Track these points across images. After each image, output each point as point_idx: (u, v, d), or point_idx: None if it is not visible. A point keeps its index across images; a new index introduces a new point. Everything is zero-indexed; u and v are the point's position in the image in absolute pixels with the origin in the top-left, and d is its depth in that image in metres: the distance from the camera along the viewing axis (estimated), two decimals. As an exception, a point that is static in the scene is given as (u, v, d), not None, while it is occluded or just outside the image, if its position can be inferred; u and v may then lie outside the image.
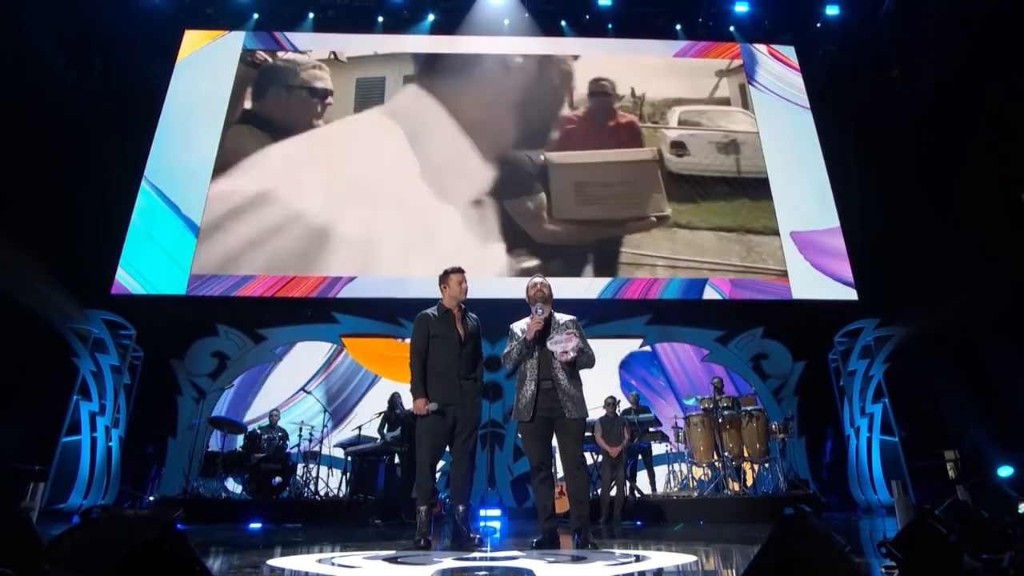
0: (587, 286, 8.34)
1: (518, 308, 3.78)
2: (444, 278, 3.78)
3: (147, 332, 7.91)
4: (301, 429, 7.20)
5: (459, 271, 3.79)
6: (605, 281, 8.37)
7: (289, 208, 8.48)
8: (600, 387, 7.76)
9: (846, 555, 1.40)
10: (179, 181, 8.58)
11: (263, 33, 9.73)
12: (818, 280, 8.44)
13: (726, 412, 6.68)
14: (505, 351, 3.61)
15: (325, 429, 7.40)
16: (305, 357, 8.56)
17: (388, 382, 8.21)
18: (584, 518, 3.38)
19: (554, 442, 3.56)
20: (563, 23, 10.07)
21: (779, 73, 9.86)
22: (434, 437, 3.51)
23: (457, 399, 3.54)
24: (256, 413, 8.07)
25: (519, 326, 3.61)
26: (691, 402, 7.19)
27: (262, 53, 9.62)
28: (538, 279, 3.68)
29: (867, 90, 9.65)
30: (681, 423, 7.06)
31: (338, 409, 8.21)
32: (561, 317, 3.60)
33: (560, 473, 4.57)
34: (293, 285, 8.09)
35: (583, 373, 3.62)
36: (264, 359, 8.48)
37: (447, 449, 3.61)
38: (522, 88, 9.53)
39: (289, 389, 8.29)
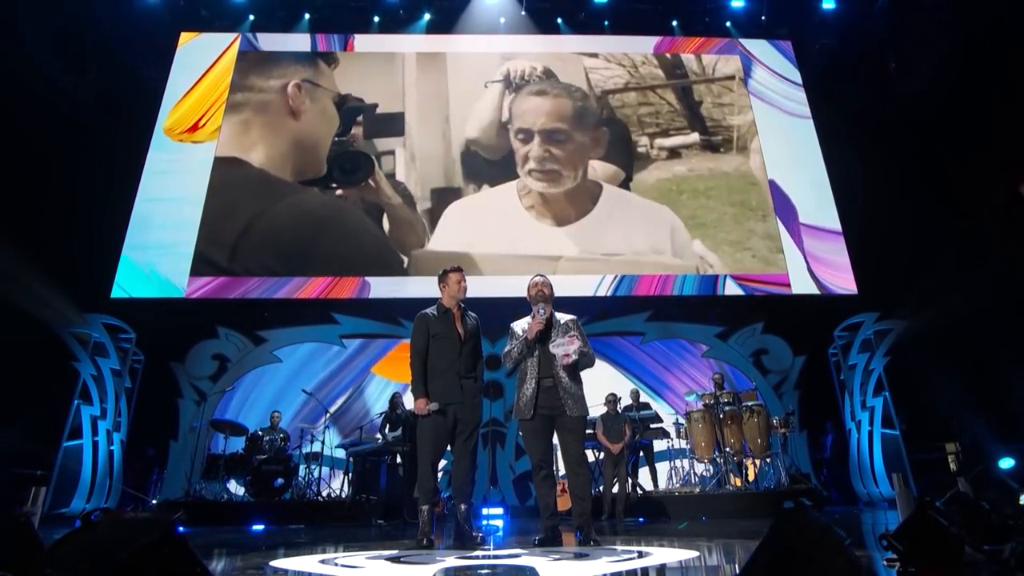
0: (596, 283, 8.33)
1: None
2: (443, 277, 3.78)
3: (147, 335, 7.91)
4: (303, 431, 7.20)
5: (458, 270, 3.79)
6: (612, 278, 8.36)
7: (291, 208, 8.51)
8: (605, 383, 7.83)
9: (846, 548, 1.40)
10: (178, 181, 8.57)
11: (258, 33, 9.73)
12: (817, 274, 8.44)
13: (727, 408, 6.69)
14: (505, 350, 3.61)
15: (326, 430, 7.40)
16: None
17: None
18: (586, 515, 3.38)
19: (555, 440, 3.56)
20: (559, 20, 10.07)
21: (776, 68, 9.84)
22: (435, 437, 3.51)
23: (458, 399, 3.54)
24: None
25: (520, 325, 3.61)
26: (692, 398, 7.19)
27: (257, 52, 9.62)
28: (539, 278, 3.67)
29: (865, 84, 9.65)
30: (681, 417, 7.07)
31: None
32: (562, 317, 3.61)
33: (562, 471, 4.59)
34: (296, 288, 8.11)
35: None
36: (265, 361, 8.47)
37: (448, 448, 3.61)
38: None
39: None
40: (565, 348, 3.39)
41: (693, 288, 8.34)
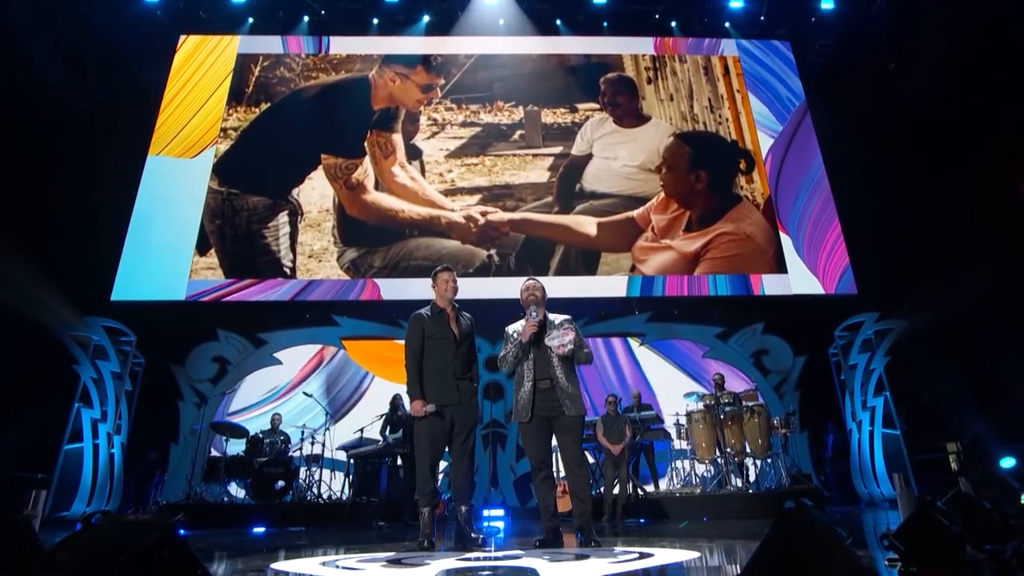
0: (615, 284, 8.34)
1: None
2: (434, 277, 3.77)
3: (148, 338, 7.91)
4: (303, 433, 7.20)
5: (448, 270, 3.77)
6: (626, 279, 8.37)
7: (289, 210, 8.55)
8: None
9: (847, 548, 1.40)
10: (178, 184, 8.58)
11: (258, 37, 9.76)
12: (817, 274, 8.43)
13: (728, 408, 6.68)
14: (501, 355, 3.61)
15: (327, 432, 7.39)
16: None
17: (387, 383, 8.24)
18: (587, 516, 3.39)
19: (554, 442, 3.56)
20: (558, 22, 10.08)
21: (775, 68, 9.86)
22: (432, 438, 3.50)
23: (454, 400, 3.53)
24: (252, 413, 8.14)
25: (514, 328, 3.61)
26: (691, 399, 7.19)
27: (258, 56, 9.65)
28: (530, 282, 3.67)
29: (864, 84, 9.65)
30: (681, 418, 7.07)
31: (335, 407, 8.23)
32: (556, 317, 3.61)
33: (562, 472, 4.58)
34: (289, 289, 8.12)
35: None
36: (265, 363, 8.48)
37: (447, 450, 3.60)
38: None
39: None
40: (560, 339, 3.42)
41: (726, 288, 8.33)
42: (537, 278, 3.74)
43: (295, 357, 8.58)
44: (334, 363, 8.57)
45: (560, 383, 3.43)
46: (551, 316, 3.61)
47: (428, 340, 3.62)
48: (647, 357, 8.78)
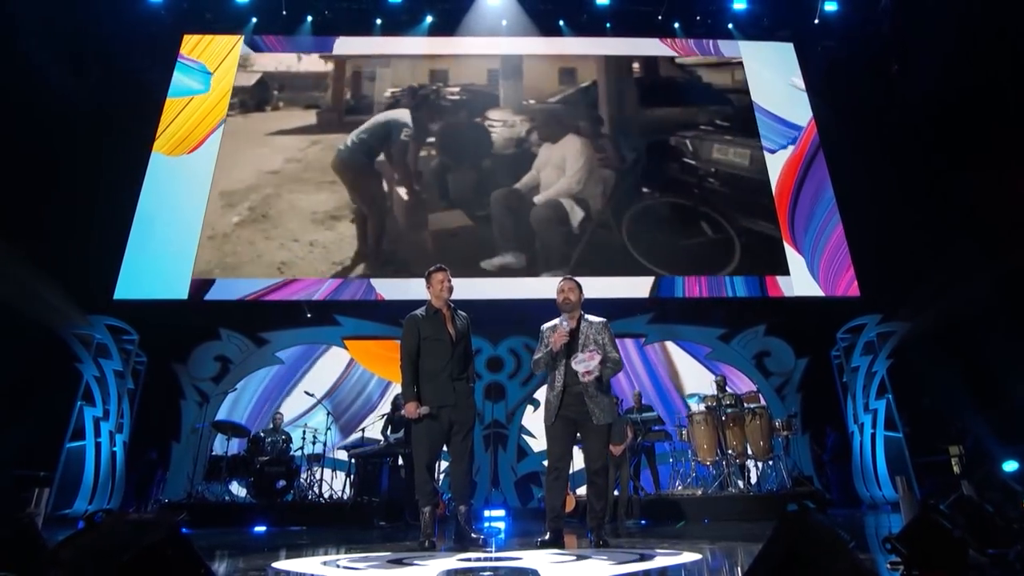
0: (640, 284, 8.33)
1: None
2: (428, 278, 3.75)
3: (150, 337, 7.92)
4: (304, 432, 7.20)
5: (442, 270, 3.74)
6: (650, 280, 8.36)
7: (289, 210, 8.54)
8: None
9: (849, 551, 1.39)
10: (181, 183, 8.58)
11: (261, 36, 9.78)
12: (820, 276, 8.42)
13: (729, 410, 6.66)
14: (535, 357, 3.61)
15: (329, 433, 7.39)
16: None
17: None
18: (600, 519, 3.44)
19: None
20: (561, 23, 10.08)
21: (777, 70, 9.84)
22: (430, 440, 3.50)
23: (451, 401, 3.52)
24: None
25: (548, 326, 3.60)
26: (693, 400, 7.17)
27: (260, 56, 9.67)
28: (564, 283, 3.62)
29: (867, 86, 9.63)
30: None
31: (348, 421, 8.20)
32: (593, 319, 3.60)
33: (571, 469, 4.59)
34: (294, 289, 8.12)
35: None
36: (267, 362, 8.48)
37: (444, 449, 3.60)
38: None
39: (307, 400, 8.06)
40: (586, 365, 3.35)
41: (744, 289, 8.30)
42: (573, 278, 3.68)
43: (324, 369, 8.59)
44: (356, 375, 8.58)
45: (590, 390, 3.42)
46: (588, 317, 3.60)
47: (424, 341, 3.60)
48: (678, 354, 8.79)
